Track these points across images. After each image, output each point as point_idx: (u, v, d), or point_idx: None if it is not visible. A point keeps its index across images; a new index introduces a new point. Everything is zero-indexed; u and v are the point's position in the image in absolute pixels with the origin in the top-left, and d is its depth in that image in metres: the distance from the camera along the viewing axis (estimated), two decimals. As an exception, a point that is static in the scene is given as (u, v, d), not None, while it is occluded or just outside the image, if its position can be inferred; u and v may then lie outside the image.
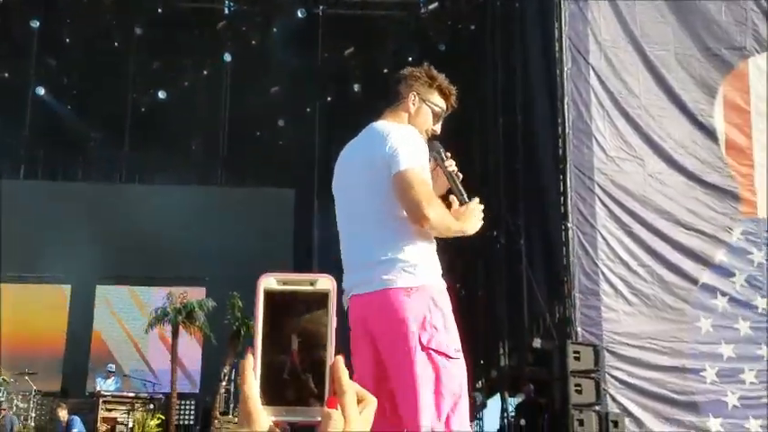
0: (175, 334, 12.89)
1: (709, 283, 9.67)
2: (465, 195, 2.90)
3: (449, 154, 2.95)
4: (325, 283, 0.83)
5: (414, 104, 2.97)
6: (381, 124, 2.93)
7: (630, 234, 9.75)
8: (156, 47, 16.89)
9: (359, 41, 16.75)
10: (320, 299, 0.82)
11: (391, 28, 16.43)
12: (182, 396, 12.91)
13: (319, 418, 0.81)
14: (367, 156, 2.85)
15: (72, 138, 17.48)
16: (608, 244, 9.71)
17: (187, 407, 12.73)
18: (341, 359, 0.82)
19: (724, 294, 9.63)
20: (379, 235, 2.79)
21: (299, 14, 16.23)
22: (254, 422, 0.81)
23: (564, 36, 10.14)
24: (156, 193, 16.34)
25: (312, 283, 0.83)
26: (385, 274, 2.71)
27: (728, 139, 10.07)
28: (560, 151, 10.00)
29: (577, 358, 8.81)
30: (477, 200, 2.88)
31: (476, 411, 14.35)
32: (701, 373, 9.37)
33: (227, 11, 16.72)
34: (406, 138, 2.81)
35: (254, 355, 0.82)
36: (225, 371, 12.26)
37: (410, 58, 16.71)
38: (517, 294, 12.52)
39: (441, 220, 2.73)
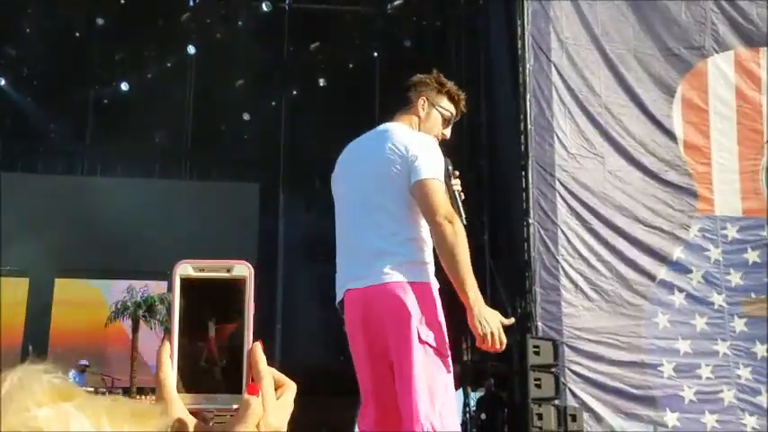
0: (135, 328, 12.78)
1: (667, 279, 9.80)
2: (464, 217, 2.94)
3: (457, 172, 3.01)
4: (241, 269, 0.83)
5: (423, 109, 3.06)
6: (398, 126, 2.99)
7: (590, 230, 9.84)
8: (118, 38, 16.64)
9: (324, 36, 16.68)
10: (237, 285, 0.82)
11: (357, 23, 16.39)
12: (141, 391, 12.79)
13: (236, 406, 0.80)
14: (382, 154, 2.89)
15: (32, 129, 17.16)
16: (568, 240, 9.79)
17: (147, 401, 12.60)
18: (259, 345, 0.82)
19: (681, 291, 9.77)
20: (383, 229, 2.84)
21: (265, 8, 16.09)
22: (169, 410, 0.81)
23: (526, 33, 10.20)
24: (118, 186, 16.12)
25: (229, 270, 0.83)
26: (387, 268, 2.77)
27: (686, 137, 10.21)
28: (522, 148, 10.07)
29: (537, 353, 8.87)
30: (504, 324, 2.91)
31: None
32: (659, 368, 9.49)
33: (191, 2, 16.51)
34: (428, 146, 2.89)
35: (170, 342, 0.82)
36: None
37: (375, 54, 16.71)
38: (481, 289, 12.54)
39: (455, 234, 2.76)
